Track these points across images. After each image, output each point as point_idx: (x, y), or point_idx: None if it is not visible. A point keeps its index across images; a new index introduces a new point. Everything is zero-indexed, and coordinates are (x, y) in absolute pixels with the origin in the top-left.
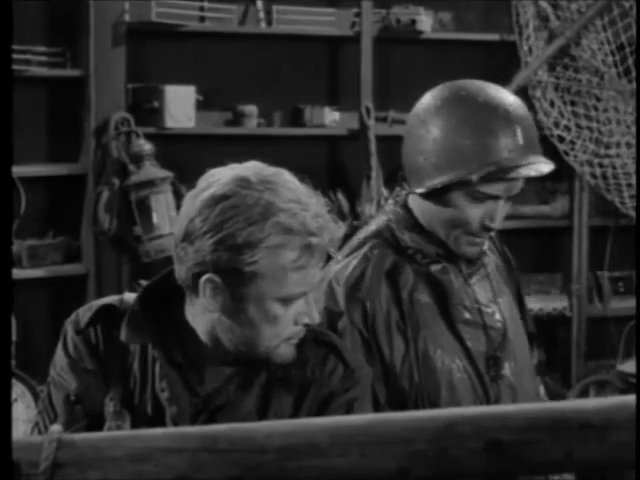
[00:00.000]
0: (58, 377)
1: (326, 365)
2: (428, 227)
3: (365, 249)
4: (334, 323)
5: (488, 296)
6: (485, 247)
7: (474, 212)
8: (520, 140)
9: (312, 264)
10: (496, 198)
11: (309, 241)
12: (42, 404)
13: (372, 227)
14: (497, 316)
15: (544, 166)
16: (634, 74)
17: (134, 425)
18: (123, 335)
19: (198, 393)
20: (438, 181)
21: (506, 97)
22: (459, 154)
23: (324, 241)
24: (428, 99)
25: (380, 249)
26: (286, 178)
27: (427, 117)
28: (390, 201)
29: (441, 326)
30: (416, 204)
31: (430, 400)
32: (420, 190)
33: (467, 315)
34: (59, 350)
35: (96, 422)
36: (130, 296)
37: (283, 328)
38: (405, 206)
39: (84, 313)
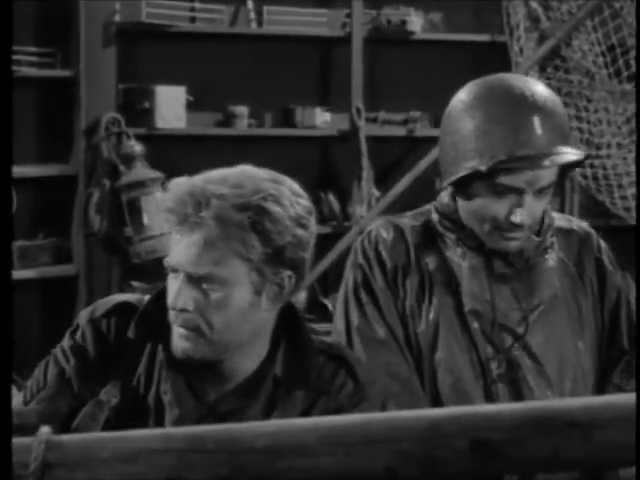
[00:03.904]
0: (60, 354)
1: (335, 379)
2: (466, 221)
3: (402, 220)
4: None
5: (517, 298)
6: (529, 248)
7: (499, 206)
8: (538, 130)
9: (176, 230)
10: (519, 192)
11: (169, 205)
12: (36, 370)
13: (420, 209)
14: (516, 317)
15: (563, 155)
16: (625, 75)
17: (133, 424)
18: (131, 332)
19: (203, 399)
20: (454, 175)
21: (528, 88)
22: (474, 146)
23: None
24: (456, 98)
25: (415, 224)
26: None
27: (453, 116)
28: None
29: (451, 311)
30: (458, 200)
31: (430, 383)
32: (442, 185)
33: (477, 306)
34: (67, 333)
35: (80, 407)
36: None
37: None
38: (454, 195)
39: (101, 305)
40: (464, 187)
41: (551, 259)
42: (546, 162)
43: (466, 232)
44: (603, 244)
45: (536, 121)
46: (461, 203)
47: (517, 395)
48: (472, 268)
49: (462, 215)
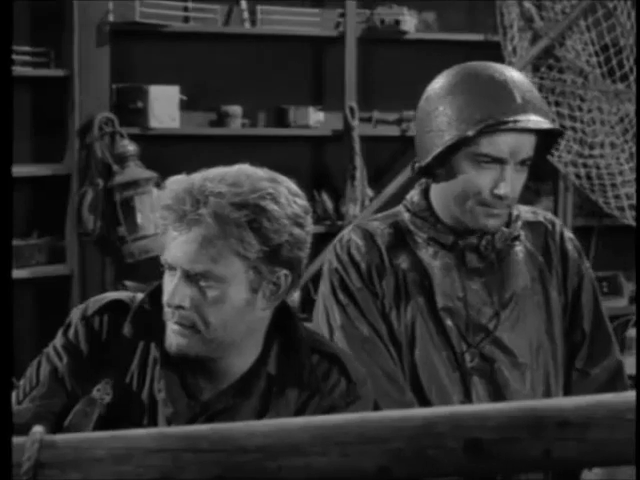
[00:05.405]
0: (53, 352)
1: (329, 379)
2: (443, 213)
3: (371, 224)
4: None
5: (490, 292)
6: (508, 233)
7: (482, 178)
8: (518, 100)
9: (174, 227)
10: (502, 162)
11: (167, 202)
12: (29, 370)
13: (389, 211)
14: (488, 313)
15: (543, 122)
16: (618, 74)
17: (126, 421)
18: (126, 330)
19: (197, 397)
20: (439, 148)
21: (505, 69)
22: (458, 118)
23: (176, 204)
24: (433, 84)
25: (384, 227)
26: (230, 169)
27: (433, 97)
28: (415, 187)
29: (425, 310)
30: (433, 191)
31: (412, 379)
32: (427, 161)
33: (449, 303)
34: (59, 332)
35: (73, 405)
36: (142, 296)
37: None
38: (424, 193)
39: (94, 303)
40: (445, 165)
41: (520, 251)
42: (530, 124)
43: (438, 228)
44: (568, 233)
45: (516, 93)
46: (439, 190)
47: (493, 386)
48: (444, 266)
49: (438, 206)
